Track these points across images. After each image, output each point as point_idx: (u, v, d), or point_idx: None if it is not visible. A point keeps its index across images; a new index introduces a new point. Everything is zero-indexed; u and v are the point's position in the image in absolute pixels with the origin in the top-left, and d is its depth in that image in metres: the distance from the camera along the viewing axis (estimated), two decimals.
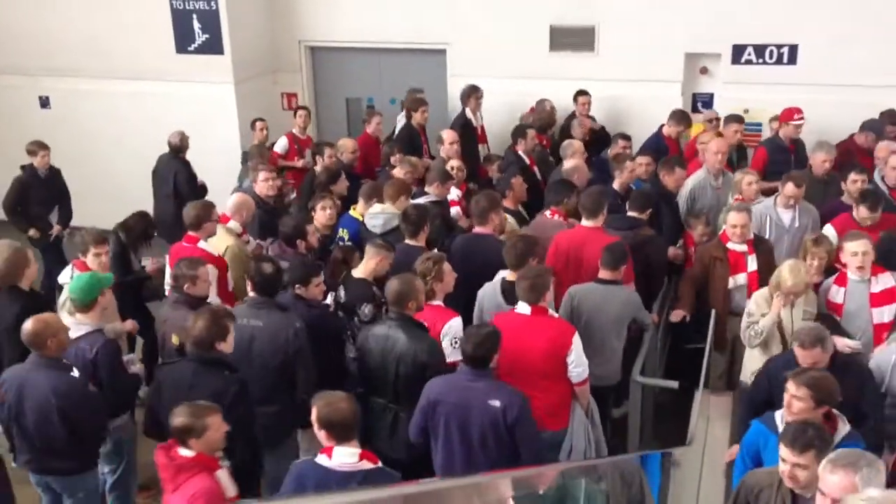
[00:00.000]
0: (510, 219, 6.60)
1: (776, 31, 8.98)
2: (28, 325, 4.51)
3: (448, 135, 8.26)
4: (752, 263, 6.09)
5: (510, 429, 4.25)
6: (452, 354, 4.87)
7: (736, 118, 8.33)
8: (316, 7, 10.50)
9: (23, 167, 8.42)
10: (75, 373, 4.60)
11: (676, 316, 6.30)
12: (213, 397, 4.15)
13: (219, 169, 9.48)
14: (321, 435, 3.83)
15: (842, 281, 5.59)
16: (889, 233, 5.98)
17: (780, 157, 8.00)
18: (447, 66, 10.39)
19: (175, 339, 5.01)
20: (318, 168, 7.96)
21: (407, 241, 5.90)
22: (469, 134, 9.05)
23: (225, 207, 6.51)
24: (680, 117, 8.53)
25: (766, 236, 6.51)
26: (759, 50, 9.08)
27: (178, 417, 3.85)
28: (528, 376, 4.77)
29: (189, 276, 5.19)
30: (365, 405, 4.66)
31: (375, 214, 6.45)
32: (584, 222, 6.14)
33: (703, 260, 6.27)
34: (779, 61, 9.04)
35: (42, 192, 8.39)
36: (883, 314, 5.53)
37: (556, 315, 5.23)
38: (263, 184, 6.93)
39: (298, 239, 6.08)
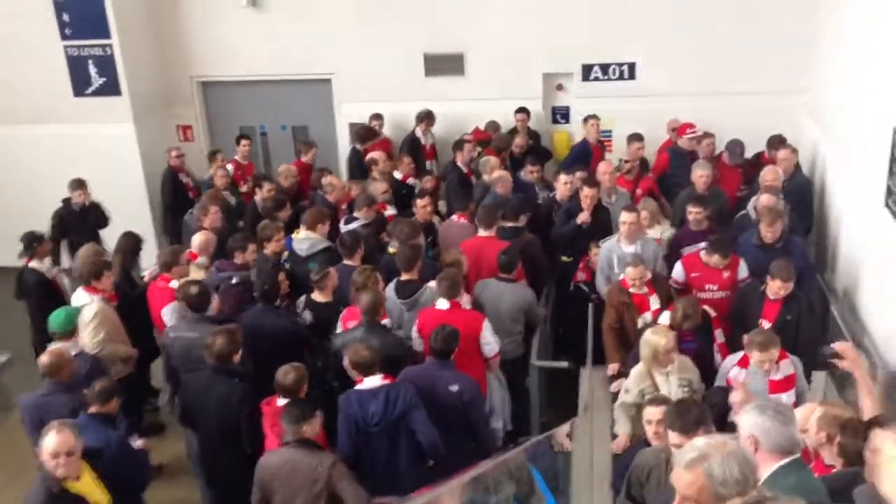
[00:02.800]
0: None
1: (617, 52, 10.46)
2: (44, 357, 5.34)
3: (378, 155, 9.45)
4: (655, 303, 6.62)
5: (465, 405, 5.46)
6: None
7: (637, 137, 9.35)
8: (205, 44, 11.25)
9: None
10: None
11: (611, 370, 6.65)
12: (222, 399, 5.23)
13: (127, 198, 10.15)
14: (353, 373, 5.19)
15: (744, 363, 5.53)
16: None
17: (679, 163, 9.06)
18: (333, 92, 11.40)
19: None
20: (257, 198, 8.90)
21: (344, 261, 6.95)
22: (416, 150, 10.31)
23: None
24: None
25: (616, 271, 7.15)
26: (604, 68, 10.58)
27: (289, 375, 5.13)
28: (456, 355, 5.82)
29: None
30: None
31: (301, 240, 7.43)
32: (481, 232, 7.39)
33: (614, 306, 6.73)
34: (620, 77, 10.56)
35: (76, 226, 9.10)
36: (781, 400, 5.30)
37: (469, 307, 6.41)
38: (214, 216, 8.04)
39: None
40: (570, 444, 6.07)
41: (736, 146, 8.96)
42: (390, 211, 8.35)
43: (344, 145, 11.31)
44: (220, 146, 11.88)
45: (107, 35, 10.52)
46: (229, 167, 10.05)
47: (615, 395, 6.13)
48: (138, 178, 11.07)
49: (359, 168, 9.89)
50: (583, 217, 7.85)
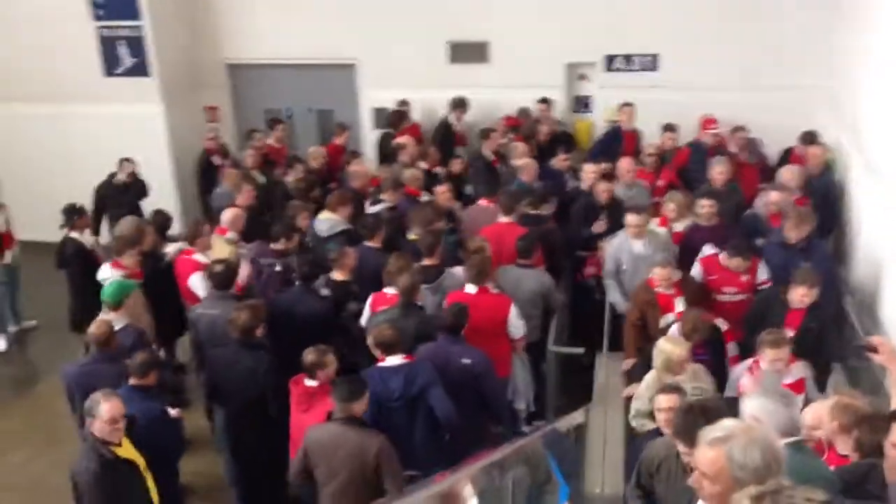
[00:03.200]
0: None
1: (641, 43, 10.56)
2: (94, 328, 5.61)
3: (407, 139, 9.61)
4: (680, 304, 6.48)
5: (476, 379, 5.67)
6: None
7: (670, 127, 9.48)
8: (235, 28, 11.45)
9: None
10: None
11: (626, 365, 6.62)
12: (249, 372, 5.45)
13: (154, 178, 10.33)
14: (377, 351, 5.40)
15: (753, 371, 5.46)
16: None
17: (699, 158, 9.11)
18: (357, 78, 11.55)
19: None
20: (289, 179, 9.10)
21: (366, 242, 7.14)
22: (449, 136, 10.47)
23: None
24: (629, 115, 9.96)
25: (624, 267, 7.26)
26: (627, 59, 10.68)
27: (309, 355, 5.23)
28: (481, 336, 6.09)
29: None
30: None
31: (322, 220, 7.64)
32: (501, 218, 7.53)
33: (638, 305, 6.70)
34: (643, 68, 10.66)
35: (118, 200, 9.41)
36: None
37: (496, 291, 6.57)
38: (248, 195, 8.24)
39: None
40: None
41: (754, 146, 9.02)
42: (424, 197, 8.46)
43: (367, 129, 11.45)
44: (245, 127, 12.12)
45: (138, 17, 10.70)
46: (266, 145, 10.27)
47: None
48: (166, 158, 11.27)
49: (389, 152, 10.04)
50: (598, 227, 7.93)
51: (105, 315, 6.11)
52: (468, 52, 11.00)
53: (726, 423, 3.01)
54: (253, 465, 5.90)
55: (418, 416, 5.39)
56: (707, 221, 7.50)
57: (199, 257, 7.03)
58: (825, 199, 8.22)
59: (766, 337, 5.35)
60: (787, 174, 7.95)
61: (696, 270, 6.93)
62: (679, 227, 7.74)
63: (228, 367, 5.73)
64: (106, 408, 4.64)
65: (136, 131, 11.01)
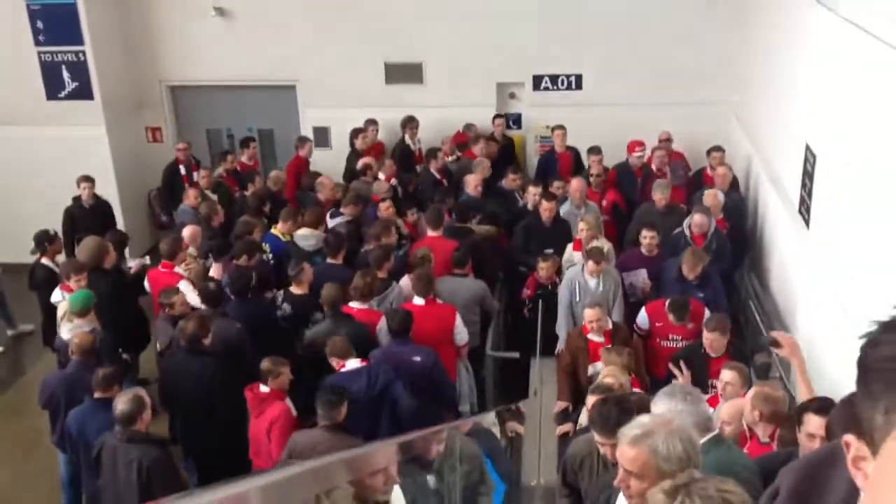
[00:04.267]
0: None
1: (565, 64, 11.26)
2: (76, 339, 6.10)
3: (370, 160, 10.10)
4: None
5: (429, 372, 6.27)
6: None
7: (595, 150, 9.82)
8: (175, 50, 11.73)
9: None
10: None
11: (559, 407, 6.74)
12: (195, 377, 5.97)
13: None
14: (335, 361, 5.88)
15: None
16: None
17: (626, 179, 9.81)
18: (298, 98, 11.99)
19: None
20: (247, 194, 9.57)
21: (328, 259, 7.65)
22: (407, 157, 10.91)
23: None
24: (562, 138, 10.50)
25: (577, 299, 7.37)
26: (553, 79, 11.37)
27: (264, 363, 5.69)
28: (430, 344, 6.61)
29: (168, 304, 6.87)
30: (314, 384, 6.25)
31: (307, 237, 8.08)
32: (430, 232, 8.11)
33: (570, 350, 6.86)
34: (568, 87, 11.36)
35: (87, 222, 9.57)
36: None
37: (440, 301, 7.10)
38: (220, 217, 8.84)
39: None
40: (520, 429, 6.76)
41: (678, 168, 9.68)
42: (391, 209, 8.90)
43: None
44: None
45: (80, 42, 10.94)
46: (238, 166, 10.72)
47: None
48: (110, 178, 11.49)
49: (353, 168, 10.44)
50: (543, 279, 8.02)
51: (69, 323, 6.57)
52: (404, 73, 11.54)
53: (643, 420, 3.08)
54: (207, 463, 6.35)
55: (382, 412, 5.90)
56: (649, 252, 7.82)
57: (179, 270, 7.60)
58: (740, 218, 8.89)
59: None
60: (709, 199, 8.40)
61: (643, 317, 7.12)
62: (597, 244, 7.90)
63: (178, 373, 6.25)
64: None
65: (81, 153, 11.20)
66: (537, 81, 11.41)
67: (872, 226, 5.25)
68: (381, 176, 9.91)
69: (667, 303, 6.86)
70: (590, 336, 6.72)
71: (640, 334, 7.20)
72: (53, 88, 11.22)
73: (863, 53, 5.50)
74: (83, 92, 11.21)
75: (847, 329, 5.28)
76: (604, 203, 9.49)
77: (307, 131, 11.90)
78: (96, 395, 5.81)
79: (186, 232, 8.11)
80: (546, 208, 8.41)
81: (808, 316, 6.88)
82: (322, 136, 11.75)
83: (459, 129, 11.20)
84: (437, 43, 11.33)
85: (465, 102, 11.33)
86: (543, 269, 7.95)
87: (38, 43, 11.00)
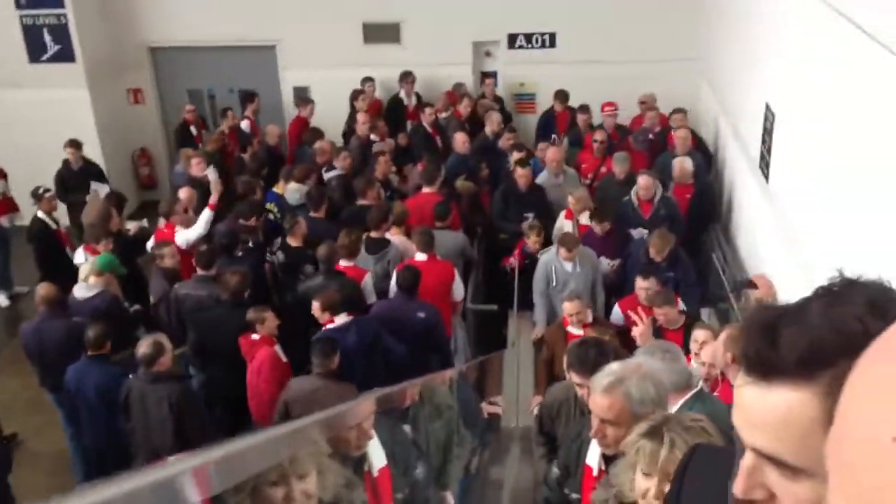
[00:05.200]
0: None
1: (539, 22, 11.54)
2: (41, 290, 6.48)
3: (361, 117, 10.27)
4: None
5: (431, 328, 6.65)
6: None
7: (583, 108, 10.11)
8: (156, 12, 11.85)
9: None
10: None
11: (535, 402, 6.45)
12: (236, 330, 6.40)
13: None
14: (325, 315, 6.18)
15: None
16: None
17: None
18: (277, 59, 12.19)
19: None
20: (245, 156, 9.80)
21: (311, 213, 7.92)
22: (399, 110, 11.18)
23: None
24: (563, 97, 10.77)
25: (554, 284, 7.35)
26: (528, 37, 11.67)
27: (249, 313, 6.11)
28: (430, 299, 6.92)
29: (159, 255, 7.32)
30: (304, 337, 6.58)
31: (294, 191, 8.39)
32: (424, 189, 8.43)
33: (550, 344, 6.72)
34: (543, 45, 11.67)
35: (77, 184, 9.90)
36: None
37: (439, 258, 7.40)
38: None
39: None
40: (498, 410, 7.00)
41: (640, 134, 9.91)
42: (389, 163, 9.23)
43: (289, 108, 12.12)
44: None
45: (61, 5, 11.06)
46: (244, 123, 10.93)
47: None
48: (94, 140, 11.66)
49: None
50: (512, 263, 8.12)
51: (84, 283, 6.96)
52: (382, 33, 11.76)
53: (612, 367, 3.09)
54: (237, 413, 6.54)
55: (376, 362, 6.26)
56: (602, 232, 7.80)
57: (180, 228, 7.95)
58: (703, 181, 8.94)
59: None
60: (676, 170, 8.54)
61: (616, 314, 7.01)
62: (584, 219, 8.07)
63: (218, 326, 6.51)
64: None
65: (64, 115, 11.34)
66: (512, 40, 11.70)
67: (826, 178, 5.69)
68: (374, 137, 10.11)
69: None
70: (569, 328, 6.55)
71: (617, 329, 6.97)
72: (35, 52, 11.34)
73: (816, 20, 5.90)
74: (65, 55, 11.34)
75: (803, 278, 5.75)
76: (602, 170, 9.30)
77: (287, 91, 12.14)
78: (90, 353, 6.11)
79: (183, 194, 8.40)
80: (521, 175, 8.60)
81: (769, 266, 7.36)
82: (303, 97, 11.93)
83: (450, 87, 11.46)
84: (415, 2, 11.54)
85: (442, 61, 11.58)
86: (533, 241, 8.00)
87: (19, 6, 11.10)
